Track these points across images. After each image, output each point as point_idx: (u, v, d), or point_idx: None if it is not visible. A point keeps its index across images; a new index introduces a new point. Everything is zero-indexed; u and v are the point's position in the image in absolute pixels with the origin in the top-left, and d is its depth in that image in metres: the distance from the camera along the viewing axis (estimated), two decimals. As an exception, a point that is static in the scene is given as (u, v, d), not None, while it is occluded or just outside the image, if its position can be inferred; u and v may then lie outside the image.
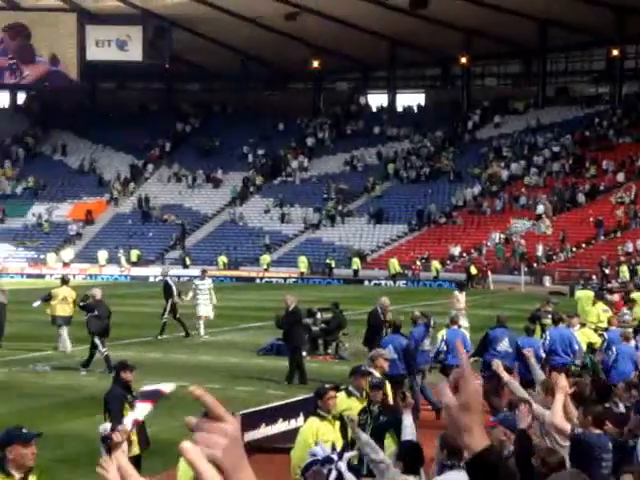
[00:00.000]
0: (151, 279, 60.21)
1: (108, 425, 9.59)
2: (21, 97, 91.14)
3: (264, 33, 74.02)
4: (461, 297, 28.87)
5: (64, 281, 27.16)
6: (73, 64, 78.21)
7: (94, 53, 77.19)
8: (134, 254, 67.94)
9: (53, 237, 73.04)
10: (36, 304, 26.82)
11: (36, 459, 6.78)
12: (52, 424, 16.04)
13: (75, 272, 64.16)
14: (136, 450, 11.45)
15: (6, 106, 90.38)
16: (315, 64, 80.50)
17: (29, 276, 62.47)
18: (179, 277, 63.90)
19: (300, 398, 15.91)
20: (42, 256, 69.90)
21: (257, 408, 15.43)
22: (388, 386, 12.21)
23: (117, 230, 73.19)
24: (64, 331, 25.66)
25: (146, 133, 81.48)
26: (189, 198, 76.37)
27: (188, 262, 66.53)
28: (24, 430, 6.72)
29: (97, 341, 22.77)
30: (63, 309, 25.30)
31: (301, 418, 14.45)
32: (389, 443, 9.80)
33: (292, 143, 79.79)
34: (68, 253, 69.80)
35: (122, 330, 29.77)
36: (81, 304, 24.11)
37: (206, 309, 30.05)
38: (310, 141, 79.96)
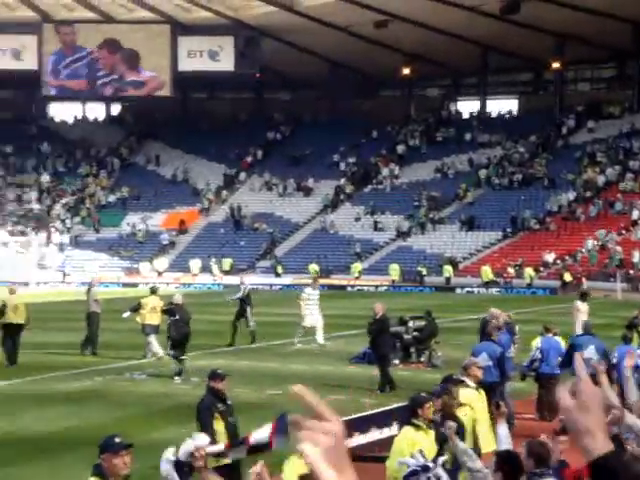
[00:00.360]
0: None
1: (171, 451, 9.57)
2: (116, 109, 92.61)
3: (354, 41, 74.09)
4: (582, 307, 27.70)
5: (152, 291, 27.52)
6: (166, 75, 79.23)
7: (186, 64, 78.07)
8: (226, 263, 68.44)
9: (147, 246, 73.98)
10: (126, 315, 27.22)
11: (133, 466, 6.81)
12: (149, 432, 16.18)
13: (169, 281, 65.02)
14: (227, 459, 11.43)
15: (102, 118, 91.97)
16: (406, 71, 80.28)
17: (124, 285, 63.36)
18: (271, 285, 64.58)
19: (393, 406, 15.79)
20: (136, 265, 70.85)
21: (350, 417, 15.34)
22: (482, 394, 12.04)
23: (209, 239, 73.85)
24: (153, 339, 26.00)
25: (237, 142, 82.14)
26: (280, 207, 76.73)
27: (280, 271, 66.85)
28: (117, 439, 6.75)
29: (168, 345, 23.28)
30: (152, 318, 25.65)
31: (395, 426, 14.33)
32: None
33: (383, 150, 79.67)
34: (162, 262, 70.61)
35: (214, 338, 30.01)
36: (163, 308, 24.65)
37: (313, 319, 29.89)
38: (401, 148, 79.76)
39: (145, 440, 14.75)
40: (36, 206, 79.61)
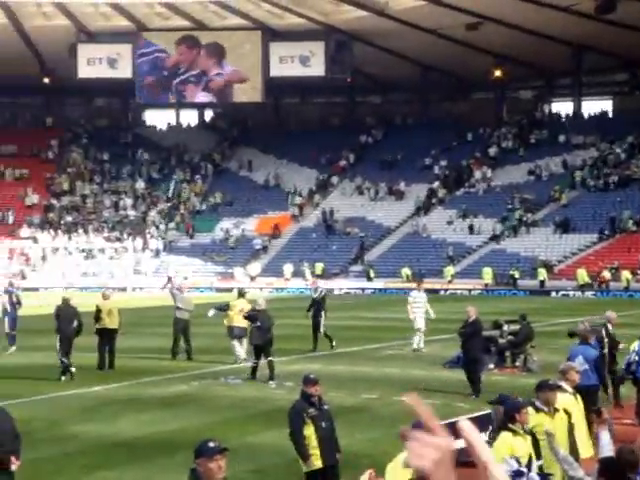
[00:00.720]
0: (336, 292, 60.71)
1: None
2: (209, 115, 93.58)
3: (445, 43, 73.69)
4: None
5: (241, 294, 27.66)
6: (257, 81, 79.81)
7: (277, 69, 78.54)
8: (318, 267, 68.61)
9: (240, 251, 74.54)
10: (211, 313, 27.46)
11: (229, 470, 6.83)
12: (244, 436, 16.27)
13: (262, 286, 65.41)
14: (318, 464, 11.45)
15: (195, 124, 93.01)
16: (497, 73, 79.54)
17: (218, 290, 63.92)
18: (363, 290, 64.59)
19: (488, 412, 15.62)
20: (230, 270, 71.44)
21: (444, 422, 15.20)
22: (579, 399, 11.85)
23: (302, 243, 74.13)
24: (237, 342, 26.15)
25: (329, 147, 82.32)
26: (371, 211, 76.66)
27: (372, 275, 66.80)
28: (211, 444, 6.77)
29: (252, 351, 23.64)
30: (239, 320, 25.73)
31: (489, 432, 14.17)
32: None
33: (475, 153, 79.09)
34: (255, 267, 71.06)
35: (308, 343, 30.07)
36: (245, 314, 24.64)
37: (422, 321, 29.79)
38: (493, 151, 79.08)
39: (240, 444, 14.84)
40: (131, 212, 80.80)
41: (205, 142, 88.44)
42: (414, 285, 36.24)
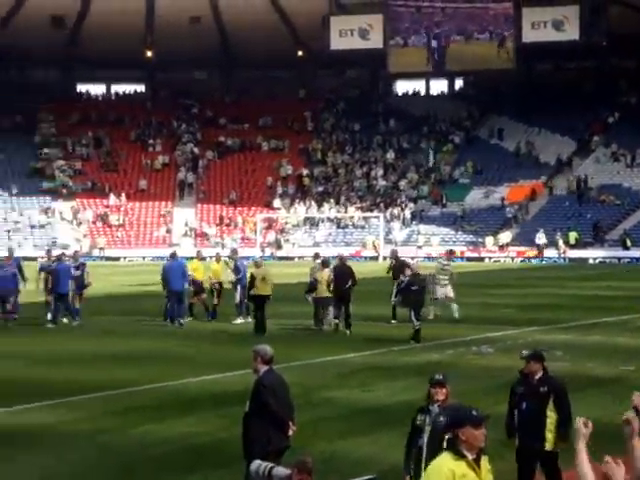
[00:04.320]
0: (590, 261, 59.39)
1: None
2: (458, 83, 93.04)
3: None
4: None
5: (324, 264, 27.80)
6: (510, 47, 78.75)
7: (530, 35, 77.18)
8: (572, 236, 67.15)
9: (491, 220, 73.90)
10: (309, 298, 27.63)
11: (488, 437, 6.82)
12: (492, 405, 16.17)
13: (512, 255, 64.76)
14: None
15: (445, 92, 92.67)
16: None
17: (468, 259, 63.78)
18: (619, 259, 62.78)
19: None
20: (480, 240, 71.01)
21: None
22: None
23: (554, 212, 72.67)
24: (325, 310, 27.32)
25: (582, 114, 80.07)
26: (628, 177, 74.24)
27: (629, 244, 64.82)
28: (475, 412, 6.78)
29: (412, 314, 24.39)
30: (323, 290, 26.87)
31: None
32: None
33: None
34: (506, 236, 70.31)
35: (560, 313, 29.57)
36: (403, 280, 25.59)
37: None
38: None
39: (495, 412, 14.72)
40: (382, 182, 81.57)
41: (455, 111, 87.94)
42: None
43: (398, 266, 28.54)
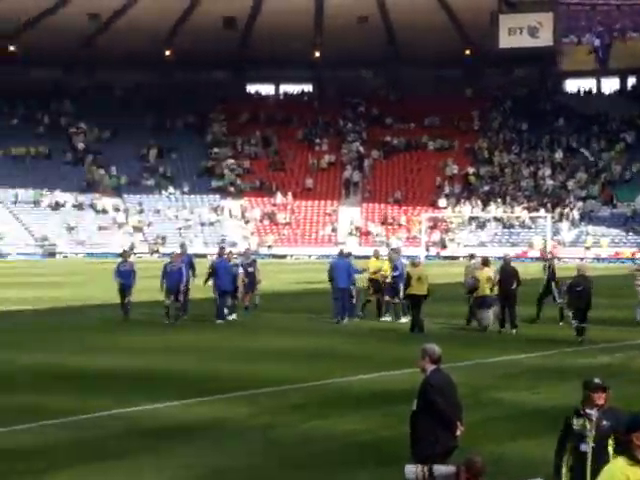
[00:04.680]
0: None
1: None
2: (631, 81, 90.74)
3: None
4: None
5: (485, 263, 27.63)
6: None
7: None
8: None
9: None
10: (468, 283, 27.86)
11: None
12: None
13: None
14: None
15: (616, 90, 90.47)
16: None
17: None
18: None
19: None
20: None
21: None
22: None
23: None
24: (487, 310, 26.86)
25: None
26: None
27: None
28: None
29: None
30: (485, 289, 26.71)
31: None
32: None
33: None
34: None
35: None
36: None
37: None
38: None
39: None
40: (549, 182, 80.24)
41: (627, 109, 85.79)
42: None
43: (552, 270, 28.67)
